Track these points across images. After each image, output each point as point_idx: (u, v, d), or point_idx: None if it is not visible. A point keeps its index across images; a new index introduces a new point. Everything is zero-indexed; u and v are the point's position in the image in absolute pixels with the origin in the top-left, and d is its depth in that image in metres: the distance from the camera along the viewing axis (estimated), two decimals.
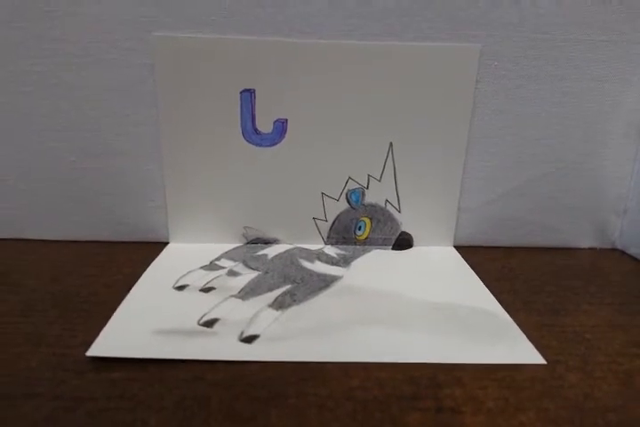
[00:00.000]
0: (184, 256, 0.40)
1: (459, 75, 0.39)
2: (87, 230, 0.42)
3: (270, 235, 0.43)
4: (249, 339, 0.29)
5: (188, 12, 0.36)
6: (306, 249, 0.42)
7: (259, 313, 0.32)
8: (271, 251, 0.41)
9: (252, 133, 0.40)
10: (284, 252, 0.41)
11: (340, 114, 0.39)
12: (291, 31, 0.37)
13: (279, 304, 0.33)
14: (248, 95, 0.38)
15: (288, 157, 0.40)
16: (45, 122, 0.39)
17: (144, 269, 0.37)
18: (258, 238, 0.43)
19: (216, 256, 0.40)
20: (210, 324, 0.30)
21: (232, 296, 0.34)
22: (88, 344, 0.28)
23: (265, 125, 0.39)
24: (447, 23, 0.38)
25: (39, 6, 0.36)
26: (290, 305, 0.33)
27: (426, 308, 0.33)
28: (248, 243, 0.43)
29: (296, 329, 0.30)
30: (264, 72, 0.38)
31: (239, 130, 0.39)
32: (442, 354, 0.28)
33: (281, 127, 0.40)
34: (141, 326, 0.30)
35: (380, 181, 0.42)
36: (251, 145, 0.40)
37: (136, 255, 0.40)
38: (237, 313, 0.32)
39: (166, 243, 0.43)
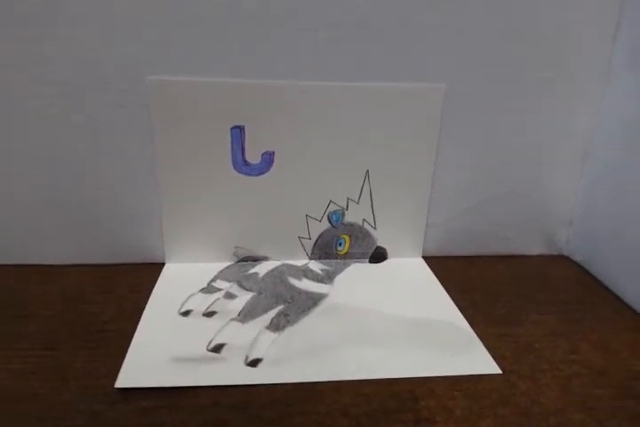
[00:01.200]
0: (182, 278, 0.44)
1: (426, 110, 0.43)
2: (88, 254, 0.45)
3: (259, 253, 0.47)
4: (254, 362, 0.34)
5: (180, 57, 0.39)
6: (293, 266, 0.46)
7: (259, 336, 0.36)
8: (261, 269, 0.45)
9: (241, 165, 0.43)
10: (273, 269, 0.45)
11: (321, 145, 0.43)
12: (275, 74, 0.40)
13: (275, 326, 0.38)
14: (238, 131, 0.42)
15: (275, 184, 0.44)
16: (45, 156, 0.41)
17: (148, 294, 0.41)
18: (248, 257, 0.47)
19: (211, 277, 0.44)
20: (217, 349, 0.35)
21: (232, 320, 0.38)
22: (112, 375, 0.32)
23: (254, 157, 0.43)
24: (416, 66, 0.42)
25: (37, 51, 0.38)
26: (285, 327, 0.38)
27: (402, 324, 0.39)
28: (239, 261, 0.47)
29: (293, 352, 0.35)
30: (252, 110, 0.41)
31: (230, 162, 0.43)
32: (418, 368, 0.34)
33: (269, 159, 0.43)
34: (158, 355, 0.34)
35: (357, 203, 0.46)
36: (240, 175, 0.43)
37: (137, 278, 0.44)
38: (240, 337, 0.36)
39: (162, 264, 0.46)
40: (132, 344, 0.35)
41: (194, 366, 0.33)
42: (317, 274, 0.45)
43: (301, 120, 0.42)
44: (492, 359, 0.35)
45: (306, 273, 0.45)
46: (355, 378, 0.33)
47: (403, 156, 0.45)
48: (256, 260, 0.47)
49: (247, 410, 0.30)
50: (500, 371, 0.34)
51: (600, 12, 0.42)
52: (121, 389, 0.31)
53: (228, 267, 0.46)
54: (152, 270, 0.45)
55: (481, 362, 0.35)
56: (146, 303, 0.40)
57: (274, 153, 0.43)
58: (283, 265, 0.46)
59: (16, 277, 0.43)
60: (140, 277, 0.44)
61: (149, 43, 0.38)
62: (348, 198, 0.46)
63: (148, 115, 0.40)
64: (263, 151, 0.43)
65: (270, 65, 0.40)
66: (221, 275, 0.44)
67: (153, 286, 0.43)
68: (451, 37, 0.41)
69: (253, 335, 0.36)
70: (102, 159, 0.42)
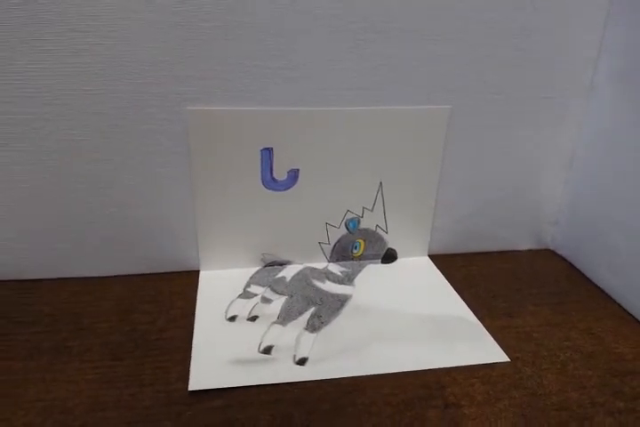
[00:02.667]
0: (219, 284, 0.48)
1: (433, 129, 0.48)
2: (128, 266, 0.49)
3: (284, 258, 0.52)
4: (301, 361, 0.39)
5: (215, 89, 0.43)
6: (315, 269, 0.51)
7: (300, 337, 0.42)
8: (287, 272, 0.50)
9: (270, 182, 0.47)
10: (298, 273, 0.50)
11: (340, 162, 0.48)
12: (299, 102, 0.45)
13: (312, 327, 0.43)
14: (267, 152, 0.46)
15: (299, 197, 0.49)
16: (93, 180, 0.45)
17: (191, 300, 0.46)
18: (274, 261, 0.52)
19: (245, 282, 0.48)
20: (267, 351, 0.40)
21: (274, 323, 0.43)
22: (182, 379, 0.37)
23: (280, 174, 0.47)
24: (425, 90, 0.46)
25: (80, 87, 0.41)
26: (320, 327, 0.43)
27: (420, 320, 0.45)
28: (266, 266, 0.52)
29: (332, 350, 0.41)
30: (279, 134, 0.45)
31: (259, 179, 0.47)
32: (440, 360, 0.40)
33: (294, 175, 0.48)
34: (218, 358, 0.39)
35: (372, 211, 0.51)
36: (269, 190, 0.48)
37: (177, 286, 0.48)
38: (284, 339, 0.41)
39: (197, 271, 0.51)
40: (193, 350, 0.39)
41: (251, 367, 0.38)
42: (338, 276, 0.50)
43: (323, 141, 0.47)
44: (500, 349, 0.41)
45: (328, 275, 0.50)
46: (389, 371, 0.39)
47: (411, 169, 0.50)
48: (281, 264, 0.52)
49: (305, 404, 0.35)
50: (508, 359, 0.40)
51: (583, 41, 0.48)
52: (193, 391, 0.36)
53: (257, 272, 0.51)
54: (189, 278, 0.49)
55: (491, 352, 0.41)
56: (191, 310, 0.45)
57: (298, 170, 0.47)
58: (306, 268, 0.51)
59: (66, 290, 0.47)
60: (179, 285, 0.48)
61: (187, 77, 0.42)
62: (363, 207, 0.51)
63: (187, 140, 0.44)
64: (289, 169, 0.47)
65: (294, 94, 0.44)
66: (253, 280, 0.49)
67: (193, 293, 0.47)
68: (455, 65, 0.46)
69: (294, 336, 0.42)
70: (143, 181, 0.45)
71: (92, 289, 0.47)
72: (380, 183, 0.50)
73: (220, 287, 0.48)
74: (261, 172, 0.47)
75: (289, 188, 0.48)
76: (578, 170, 0.53)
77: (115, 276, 0.49)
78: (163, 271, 0.50)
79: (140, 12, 0.39)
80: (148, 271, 0.49)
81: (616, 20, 0.47)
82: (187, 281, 0.49)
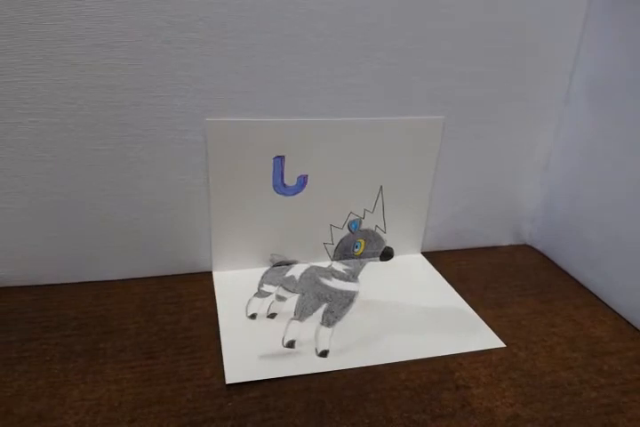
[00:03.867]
0: (234, 285, 0.51)
1: (428, 138, 0.53)
2: (145, 269, 0.51)
3: (290, 258, 0.55)
4: (324, 353, 0.43)
5: (234, 102, 0.45)
6: (320, 267, 0.54)
7: (318, 332, 0.45)
8: (295, 271, 0.53)
9: (280, 187, 0.50)
10: (305, 271, 0.53)
11: (344, 169, 0.52)
12: (308, 114, 0.48)
13: (327, 322, 0.46)
14: (279, 160, 0.49)
15: (306, 201, 0.52)
16: (112, 189, 0.46)
17: (209, 300, 0.48)
18: (281, 262, 0.55)
19: (258, 282, 0.51)
20: (291, 345, 0.43)
21: (292, 319, 0.46)
22: (216, 374, 0.40)
23: (290, 180, 0.50)
24: (421, 101, 0.51)
25: (106, 101, 0.42)
26: (334, 322, 0.47)
27: (422, 313, 0.49)
28: (274, 266, 0.55)
29: (349, 342, 0.44)
30: (291, 143, 0.48)
31: (271, 185, 0.50)
32: (446, 348, 0.44)
33: (302, 181, 0.51)
34: (247, 353, 0.42)
35: (372, 212, 0.55)
36: (279, 195, 0.51)
37: (194, 287, 0.51)
38: (303, 333, 0.45)
39: (209, 272, 0.53)
40: (223, 347, 0.42)
41: (279, 360, 0.42)
42: (343, 274, 0.54)
43: (329, 148, 0.50)
44: (496, 336, 0.46)
45: (333, 273, 0.54)
46: (402, 360, 0.43)
47: (409, 173, 0.54)
48: (288, 264, 0.55)
49: (332, 392, 0.39)
50: (504, 345, 0.45)
51: (560, 56, 0.53)
52: (230, 384, 0.39)
53: (267, 272, 0.53)
54: (203, 279, 0.52)
55: (489, 339, 0.46)
56: (211, 309, 0.47)
57: (307, 176, 0.51)
58: (312, 267, 0.54)
59: (88, 293, 0.48)
60: (195, 286, 0.51)
61: (207, 90, 0.44)
62: (364, 209, 0.55)
63: (206, 149, 0.46)
64: (298, 175, 0.50)
65: (304, 106, 0.48)
66: (265, 280, 0.52)
67: (210, 293, 0.50)
68: (447, 81, 0.50)
69: (312, 331, 0.45)
70: (163, 188, 0.48)
71: (113, 292, 0.49)
72: (381, 187, 0.54)
73: (235, 287, 0.51)
74: (273, 178, 0.50)
75: (297, 192, 0.51)
76: (553, 173, 0.59)
77: (133, 278, 0.51)
78: (177, 273, 0.52)
79: (163, 29, 0.41)
80: (164, 273, 0.52)
81: (590, 37, 0.52)
82: (201, 282, 0.51)
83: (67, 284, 0.50)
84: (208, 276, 0.53)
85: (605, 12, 0.50)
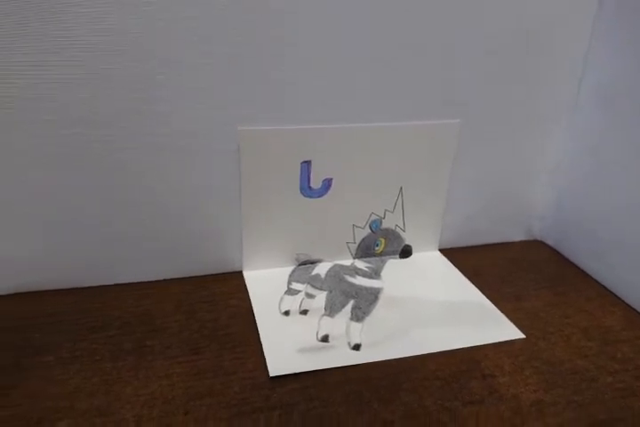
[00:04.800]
0: (265, 284, 0.54)
1: (445, 141, 0.56)
2: (181, 269, 0.54)
3: (315, 257, 0.58)
4: (357, 347, 0.46)
5: (264, 111, 0.48)
6: (343, 265, 0.57)
7: (349, 327, 0.48)
8: (320, 269, 0.56)
9: (307, 190, 0.53)
10: (330, 270, 0.56)
11: (366, 171, 0.54)
12: (334, 120, 0.51)
13: (357, 317, 0.49)
14: (306, 165, 0.51)
15: (331, 203, 0.55)
16: (149, 195, 0.49)
17: (243, 299, 0.51)
18: (306, 260, 0.57)
19: (287, 280, 0.54)
20: (325, 339, 0.46)
21: (323, 315, 0.49)
22: (258, 367, 0.42)
23: (316, 183, 0.53)
24: (438, 107, 0.53)
25: (143, 111, 0.45)
26: (363, 317, 0.49)
27: (445, 307, 0.52)
28: (299, 265, 0.57)
29: (379, 336, 0.47)
30: (317, 148, 0.51)
31: (298, 188, 0.53)
32: (471, 340, 0.47)
33: (328, 184, 0.53)
34: (286, 348, 0.45)
35: (392, 212, 0.58)
36: (306, 198, 0.53)
37: (227, 286, 0.53)
38: (335, 328, 0.47)
39: (239, 272, 0.56)
40: (263, 342, 0.45)
41: (316, 353, 0.44)
42: (366, 271, 0.56)
43: (352, 153, 0.53)
44: (516, 328, 0.49)
45: (357, 271, 0.56)
46: (431, 351, 0.46)
47: (427, 175, 0.57)
48: (313, 262, 0.58)
49: (369, 382, 0.42)
50: (523, 336, 0.48)
51: (569, 60, 0.56)
52: (273, 377, 0.41)
53: (293, 270, 0.56)
54: (234, 279, 0.55)
55: (509, 331, 0.49)
56: (246, 307, 0.50)
57: (332, 179, 0.53)
58: (335, 265, 0.57)
59: (128, 294, 0.51)
60: (228, 286, 0.53)
61: (240, 100, 0.47)
62: (385, 210, 0.57)
63: (238, 156, 0.49)
64: (324, 178, 0.53)
65: (328, 114, 0.50)
66: (293, 278, 0.55)
67: (243, 292, 0.52)
68: (463, 87, 0.53)
69: (343, 326, 0.48)
70: (198, 194, 0.50)
71: (151, 292, 0.51)
72: (401, 188, 0.57)
73: (266, 286, 0.53)
74: (300, 181, 0.52)
75: (322, 195, 0.54)
76: (562, 174, 0.62)
77: (168, 279, 0.53)
78: (210, 273, 0.55)
79: (196, 44, 0.44)
80: (197, 274, 0.54)
81: (598, 43, 0.55)
82: (233, 281, 0.54)
83: (105, 286, 0.52)
84: (238, 275, 0.55)
85: (613, 17, 0.53)
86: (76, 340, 0.45)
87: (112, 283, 0.52)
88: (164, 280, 0.53)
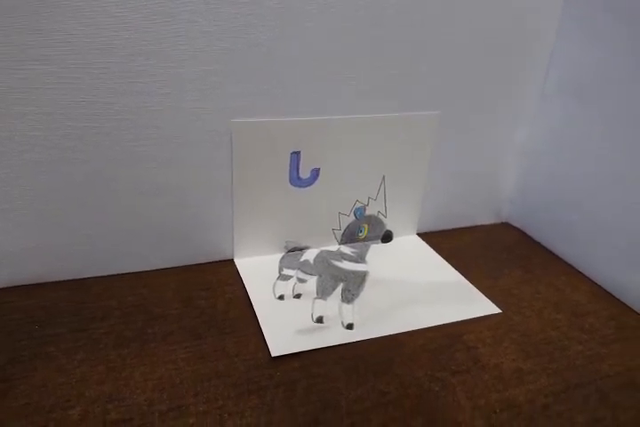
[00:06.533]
0: (257, 270, 0.56)
1: (426, 131, 0.58)
2: (175, 258, 0.55)
3: (303, 244, 0.60)
4: (349, 326, 0.49)
5: (254, 104, 0.49)
6: (330, 251, 0.60)
7: (340, 308, 0.51)
8: (308, 256, 0.58)
9: (296, 180, 0.55)
10: (317, 256, 0.59)
11: (352, 161, 0.57)
12: (322, 112, 0.53)
13: (347, 299, 0.52)
14: (295, 155, 0.53)
15: (319, 192, 0.57)
16: (145, 186, 0.50)
17: (237, 285, 0.53)
18: (295, 247, 0.60)
19: (277, 267, 0.56)
20: (320, 320, 0.49)
21: (316, 298, 0.51)
22: (260, 349, 0.45)
23: (305, 173, 0.55)
24: (419, 98, 0.56)
25: (141, 105, 0.45)
26: (353, 299, 0.52)
27: (427, 287, 0.56)
28: (288, 251, 0.60)
29: (369, 315, 0.50)
30: (306, 139, 0.53)
31: (287, 178, 0.55)
32: (453, 315, 0.51)
33: (315, 174, 0.56)
34: (284, 329, 0.47)
35: (375, 200, 0.61)
36: (294, 187, 0.55)
37: (220, 274, 0.55)
38: (328, 310, 0.50)
39: (231, 260, 0.57)
40: (262, 325, 0.47)
41: (313, 334, 0.47)
42: (352, 256, 0.59)
43: (339, 143, 0.55)
44: (493, 304, 0.53)
45: (343, 256, 0.59)
46: (417, 328, 0.49)
47: (407, 164, 0.60)
48: (301, 249, 0.60)
49: (363, 358, 0.45)
50: (500, 311, 0.53)
51: (535, 58, 0.60)
52: (275, 357, 0.44)
53: (283, 257, 0.58)
54: (226, 266, 0.56)
55: (487, 306, 0.53)
56: (241, 293, 0.52)
57: (319, 169, 0.56)
58: (322, 251, 0.60)
59: (124, 285, 0.52)
60: (221, 273, 0.55)
61: (233, 94, 0.48)
62: (368, 197, 0.60)
63: (231, 147, 0.50)
64: (312, 168, 0.55)
65: (317, 107, 0.52)
66: (283, 264, 0.57)
67: (236, 279, 0.54)
68: (443, 81, 0.56)
69: (336, 307, 0.51)
70: (192, 184, 0.51)
71: (147, 282, 0.53)
72: (383, 177, 0.59)
73: (258, 272, 0.55)
74: (290, 172, 0.54)
75: (310, 184, 0.56)
76: (529, 159, 0.66)
77: (162, 269, 0.55)
78: (203, 262, 0.56)
79: (193, 39, 0.45)
80: (191, 263, 0.56)
81: (563, 39, 0.59)
82: (226, 269, 0.56)
83: (100, 277, 0.53)
84: (230, 263, 0.57)
85: (578, 13, 0.57)
86: (77, 330, 0.46)
87: (107, 274, 0.53)
88: (158, 270, 0.55)
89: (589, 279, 0.59)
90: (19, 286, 0.51)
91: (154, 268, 0.55)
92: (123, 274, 0.54)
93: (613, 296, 0.56)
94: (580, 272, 0.60)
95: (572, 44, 0.58)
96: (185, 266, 0.56)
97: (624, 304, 0.55)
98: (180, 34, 0.44)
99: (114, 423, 0.37)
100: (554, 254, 0.64)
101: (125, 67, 0.44)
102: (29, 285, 0.51)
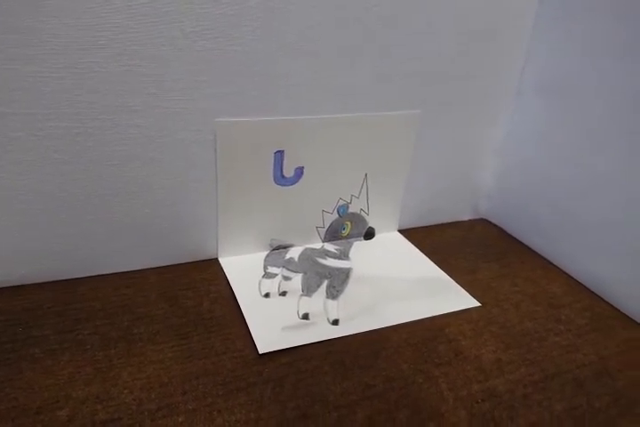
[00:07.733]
0: (241, 269, 0.56)
1: (406, 130, 0.60)
2: (159, 258, 0.55)
3: (287, 242, 0.61)
4: (335, 322, 0.50)
5: (238, 104, 0.50)
6: (314, 249, 0.61)
7: (326, 304, 0.51)
8: (293, 253, 0.59)
9: (280, 179, 0.56)
10: (302, 253, 0.59)
11: (335, 160, 0.58)
12: (305, 112, 0.53)
13: (332, 295, 0.53)
14: (279, 154, 0.54)
15: (303, 191, 0.58)
16: (127, 185, 0.50)
17: (222, 284, 0.53)
18: (279, 246, 0.60)
19: (262, 265, 0.57)
20: (306, 317, 0.50)
21: (302, 295, 0.52)
22: (247, 346, 0.45)
23: (288, 171, 0.56)
24: (399, 98, 0.57)
25: (125, 104, 0.45)
26: (338, 295, 0.53)
27: (408, 282, 0.57)
28: (273, 249, 0.60)
29: (354, 311, 0.51)
30: (289, 138, 0.54)
31: (271, 177, 0.55)
32: (434, 310, 0.52)
33: (300, 172, 0.56)
34: (271, 327, 0.48)
35: (358, 198, 0.62)
36: (279, 186, 0.56)
37: (205, 273, 0.55)
38: (314, 306, 0.51)
39: (215, 259, 0.58)
40: (248, 322, 0.48)
41: (299, 330, 0.48)
42: (335, 253, 0.60)
43: (322, 142, 0.56)
44: (472, 298, 0.55)
45: (327, 253, 0.60)
46: (401, 322, 0.50)
47: (389, 162, 0.61)
48: (285, 247, 0.61)
49: (349, 353, 0.46)
50: (479, 304, 0.54)
51: (511, 60, 0.62)
52: (263, 354, 0.44)
53: (268, 255, 0.59)
54: (211, 265, 0.57)
55: (467, 300, 0.55)
56: (227, 292, 0.53)
57: (303, 168, 0.56)
58: (306, 249, 0.60)
59: (107, 285, 0.52)
60: (206, 272, 0.55)
61: (217, 94, 0.48)
62: (351, 195, 0.61)
63: (215, 146, 0.50)
64: (296, 167, 0.56)
65: (300, 106, 0.53)
66: (268, 262, 0.57)
67: (221, 277, 0.55)
68: (423, 81, 0.57)
69: (321, 304, 0.52)
70: (175, 183, 0.51)
71: (131, 282, 0.53)
72: (366, 175, 0.60)
73: (243, 271, 0.56)
74: (273, 171, 0.55)
75: (294, 183, 0.57)
76: (506, 156, 0.68)
77: (146, 269, 0.54)
78: (187, 261, 0.56)
79: (177, 39, 0.45)
80: (174, 262, 0.56)
81: (538, 39, 0.61)
82: (211, 268, 0.56)
83: (83, 278, 0.53)
84: (215, 262, 0.57)
85: (553, 13, 0.59)
86: (62, 331, 0.46)
87: (90, 275, 0.53)
88: (142, 270, 0.54)
89: (564, 273, 0.61)
90: (1, 288, 0.50)
91: (138, 268, 0.54)
92: (107, 275, 0.53)
93: (587, 288, 0.58)
94: (556, 266, 0.62)
95: (548, 43, 0.60)
96: (170, 266, 0.56)
97: (597, 296, 0.57)
98: (163, 34, 0.44)
99: (103, 423, 0.38)
100: (530, 249, 0.66)
101: (109, 67, 0.43)
102: (12, 287, 0.50)
